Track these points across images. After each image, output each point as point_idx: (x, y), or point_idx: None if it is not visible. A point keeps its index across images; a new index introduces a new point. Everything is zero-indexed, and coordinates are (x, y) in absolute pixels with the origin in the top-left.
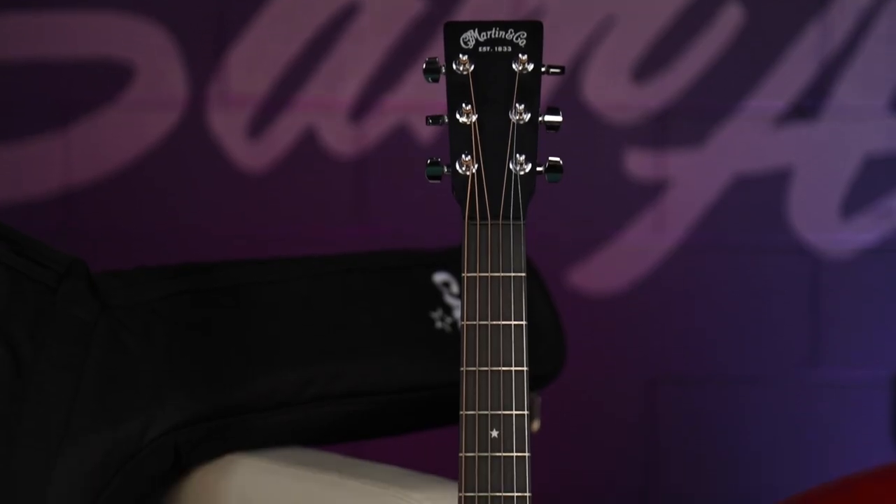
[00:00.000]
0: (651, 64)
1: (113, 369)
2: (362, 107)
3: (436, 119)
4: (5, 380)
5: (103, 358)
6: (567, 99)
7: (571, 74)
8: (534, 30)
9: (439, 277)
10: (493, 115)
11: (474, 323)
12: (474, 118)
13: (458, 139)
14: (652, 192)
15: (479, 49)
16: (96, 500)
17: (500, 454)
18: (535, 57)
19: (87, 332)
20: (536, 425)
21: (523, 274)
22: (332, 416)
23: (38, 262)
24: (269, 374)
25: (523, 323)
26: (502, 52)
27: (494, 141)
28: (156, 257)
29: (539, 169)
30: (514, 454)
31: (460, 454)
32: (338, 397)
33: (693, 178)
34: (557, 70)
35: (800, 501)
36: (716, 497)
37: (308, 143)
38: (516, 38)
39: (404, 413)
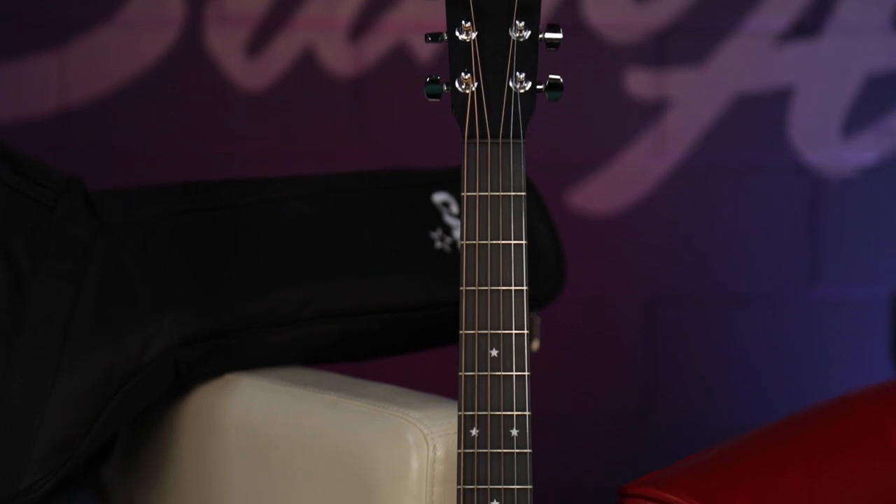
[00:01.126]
0: None
1: (111, 287)
2: (361, 26)
3: (435, 37)
4: (3, 295)
5: (101, 276)
6: (567, 18)
7: None
8: None
9: (439, 197)
10: (492, 32)
11: (474, 242)
12: (474, 35)
13: (458, 57)
14: (652, 111)
15: None
16: (96, 418)
17: (499, 373)
18: None
19: (86, 250)
20: (536, 345)
21: (523, 193)
22: (332, 335)
23: (36, 181)
24: (268, 293)
25: (523, 242)
26: None
27: (494, 59)
28: (153, 177)
29: (539, 87)
30: (514, 373)
31: (460, 373)
32: (337, 316)
33: (693, 98)
34: None
35: (799, 420)
36: (715, 416)
37: (306, 62)
38: None
39: (404, 332)
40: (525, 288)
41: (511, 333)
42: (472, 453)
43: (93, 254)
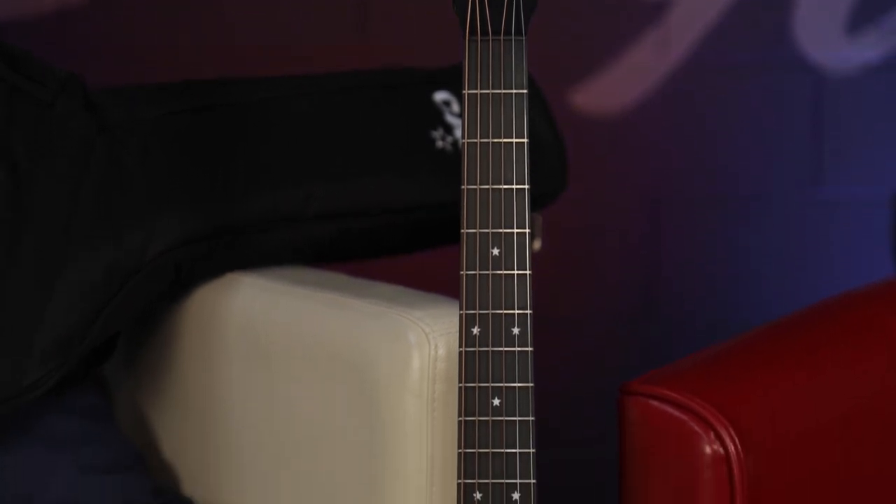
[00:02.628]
0: None
1: (112, 186)
2: None
3: None
4: (3, 193)
5: (102, 174)
6: None
7: None
8: None
9: (440, 96)
10: None
11: (475, 140)
12: None
13: None
14: (655, 10)
15: None
16: (97, 317)
17: (500, 272)
18: None
19: (86, 149)
20: (538, 245)
21: (525, 90)
22: (333, 234)
23: (34, 78)
24: (268, 192)
25: (525, 140)
26: None
27: None
28: (152, 75)
29: None
30: (516, 272)
31: (461, 272)
32: (338, 216)
33: None
34: None
35: (802, 318)
36: (717, 315)
37: None
38: None
39: (405, 232)
40: (527, 186)
41: (512, 232)
42: (474, 352)
43: (93, 152)
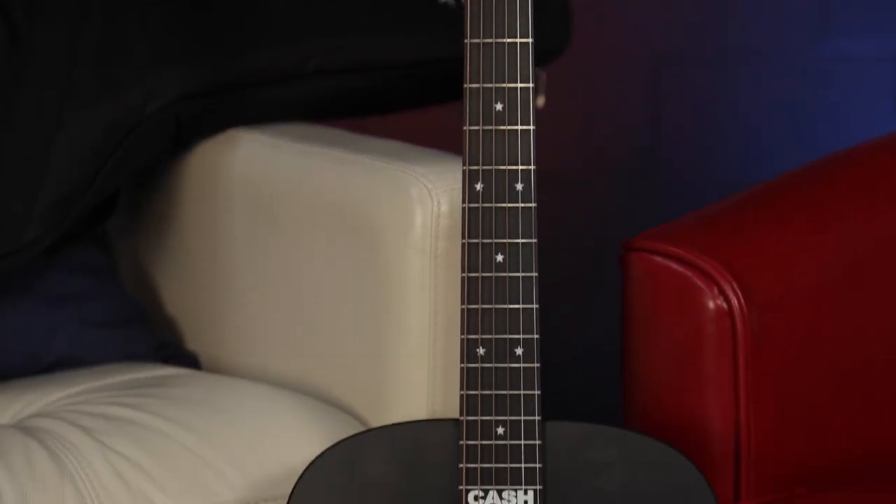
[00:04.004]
0: None
1: (110, 42)
2: None
3: None
4: (1, 50)
5: (100, 31)
6: None
7: None
8: None
9: None
10: None
11: None
12: None
13: None
14: None
15: None
16: (97, 173)
17: (504, 127)
18: None
19: (84, 5)
20: (541, 101)
21: None
22: (334, 90)
23: None
24: (268, 48)
25: None
26: None
27: None
28: None
29: None
30: (519, 127)
31: (464, 128)
32: (339, 71)
33: None
34: None
35: (807, 172)
36: (721, 173)
37: None
38: None
39: (407, 88)
40: (531, 40)
41: (516, 87)
42: (477, 207)
43: (91, 10)
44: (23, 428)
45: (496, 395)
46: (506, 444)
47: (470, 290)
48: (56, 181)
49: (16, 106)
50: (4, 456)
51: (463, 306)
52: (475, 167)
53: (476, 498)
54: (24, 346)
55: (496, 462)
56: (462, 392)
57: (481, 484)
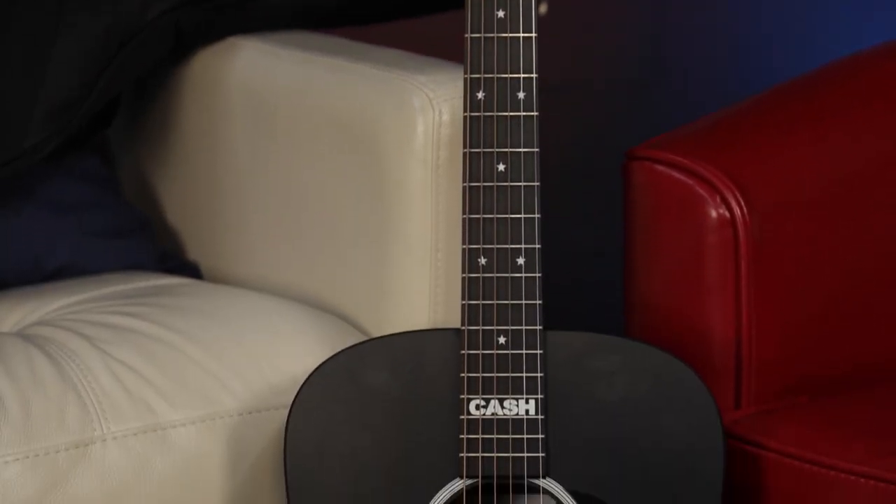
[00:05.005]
0: None
1: None
2: None
3: None
4: None
5: None
6: None
7: None
8: None
9: None
10: None
11: None
12: None
13: None
14: None
15: None
16: (97, 80)
17: (506, 35)
18: None
19: None
20: (543, 8)
21: None
22: None
23: None
24: None
25: None
26: None
27: None
28: None
29: None
30: (521, 35)
31: (466, 35)
32: None
33: None
34: None
35: (808, 80)
36: (722, 84)
37: None
38: None
39: None
40: None
41: None
42: (479, 116)
43: None
44: (24, 336)
45: (497, 304)
46: (507, 354)
47: (471, 200)
48: (55, 87)
49: (14, 12)
50: (6, 363)
51: (464, 216)
52: (476, 75)
53: (477, 407)
54: (25, 252)
55: (497, 371)
56: (463, 302)
57: (482, 393)
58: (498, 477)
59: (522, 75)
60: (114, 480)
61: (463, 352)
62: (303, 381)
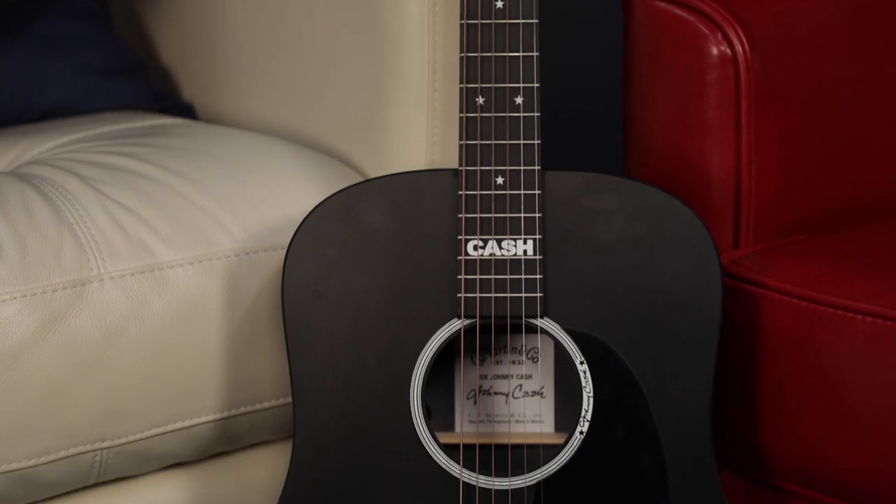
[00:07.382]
0: None
1: None
2: None
3: None
4: None
5: None
6: None
7: None
8: None
9: None
10: None
11: None
12: None
13: None
14: None
15: None
16: None
17: None
18: None
19: None
20: None
21: None
22: None
23: None
24: None
25: None
26: None
27: None
28: None
29: None
30: None
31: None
32: None
33: None
34: None
35: None
36: None
37: None
38: None
39: None
40: None
41: None
42: None
43: None
44: (19, 175)
45: (496, 144)
46: (505, 194)
47: (469, 38)
48: None
49: None
50: (2, 203)
51: (462, 54)
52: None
53: (475, 248)
54: (16, 90)
55: (495, 212)
56: (461, 142)
57: (480, 234)
58: (496, 317)
59: None
60: (112, 319)
61: (461, 192)
62: (300, 221)
